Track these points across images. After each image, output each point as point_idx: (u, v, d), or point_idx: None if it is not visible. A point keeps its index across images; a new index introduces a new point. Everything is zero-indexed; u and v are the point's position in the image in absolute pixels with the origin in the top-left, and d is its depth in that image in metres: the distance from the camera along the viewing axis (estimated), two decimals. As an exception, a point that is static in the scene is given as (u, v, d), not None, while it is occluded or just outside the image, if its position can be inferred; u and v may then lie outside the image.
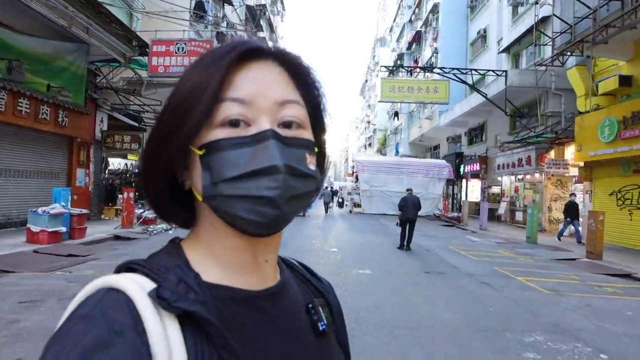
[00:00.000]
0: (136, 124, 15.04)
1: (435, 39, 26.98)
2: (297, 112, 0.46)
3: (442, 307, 4.96)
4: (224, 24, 20.42)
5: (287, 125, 0.45)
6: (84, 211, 9.31)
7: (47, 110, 10.21)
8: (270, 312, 0.47)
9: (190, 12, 16.00)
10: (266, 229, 0.44)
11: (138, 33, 12.53)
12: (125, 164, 18.54)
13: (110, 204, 13.54)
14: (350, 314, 4.50)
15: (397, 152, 36.00)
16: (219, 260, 0.46)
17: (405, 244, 9.86)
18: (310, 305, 0.52)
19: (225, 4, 20.58)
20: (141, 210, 12.13)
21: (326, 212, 23.49)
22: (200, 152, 0.43)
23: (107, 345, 0.35)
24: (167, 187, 0.47)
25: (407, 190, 10.87)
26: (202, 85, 0.43)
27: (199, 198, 0.45)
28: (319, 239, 11.35)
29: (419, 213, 10.33)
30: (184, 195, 0.48)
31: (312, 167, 0.46)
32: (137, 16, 13.43)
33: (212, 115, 0.43)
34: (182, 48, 12.68)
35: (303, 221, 16.86)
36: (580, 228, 12.16)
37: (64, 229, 8.51)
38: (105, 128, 13.66)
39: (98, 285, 0.41)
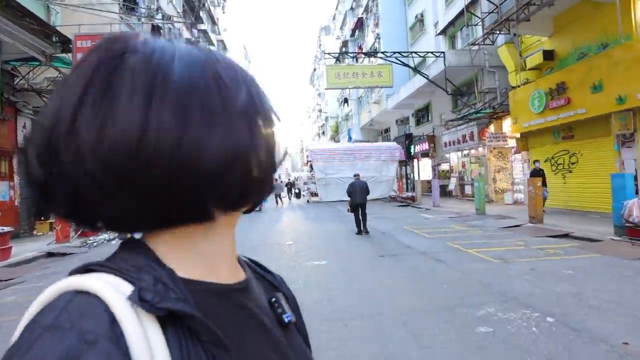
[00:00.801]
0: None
1: (376, 25, 27.26)
2: None
3: (397, 291, 4.95)
4: (159, 17, 19.21)
5: None
6: (7, 229, 8.35)
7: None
8: (246, 305, 0.46)
9: (119, 4, 14.85)
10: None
11: (58, 28, 11.39)
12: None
13: (42, 218, 12.38)
14: (302, 310, 4.36)
15: (349, 139, 36.35)
16: (192, 253, 0.44)
17: (361, 229, 9.92)
18: (273, 299, 0.52)
19: (157, -5, 19.34)
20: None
21: (277, 204, 23.49)
22: None
23: None
24: None
25: (354, 175, 10.95)
26: None
27: None
28: (274, 233, 11.12)
29: (375, 196, 10.46)
30: None
31: None
32: (56, 9, 12.20)
33: None
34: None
35: (258, 216, 16.52)
36: (547, 194, 11.56)
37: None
38: (29, 135, 12.39)
39: (60, 288, 0.36)
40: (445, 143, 19.39)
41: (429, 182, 21.83)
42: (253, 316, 0.46)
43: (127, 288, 0.37)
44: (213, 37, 32.91)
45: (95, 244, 10.02)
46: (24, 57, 10.88)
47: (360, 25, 32.25)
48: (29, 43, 10.19)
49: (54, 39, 11.13)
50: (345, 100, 34.18)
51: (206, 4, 29.85)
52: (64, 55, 11.88)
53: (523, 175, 13.81)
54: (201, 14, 28.04)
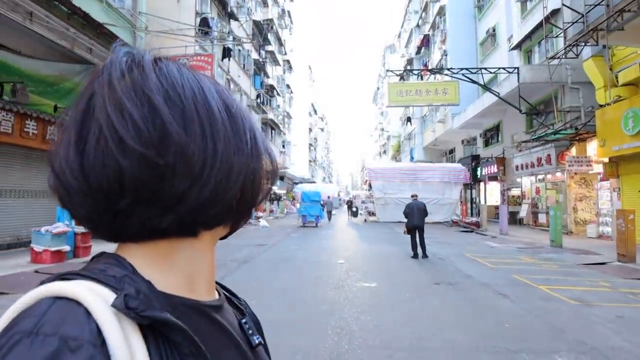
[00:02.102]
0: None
1: (443, 42, 26.51)
2: None
3: (450, 324, 4.47)
4: (230, 39, 20.52)
5: None
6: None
7: (55, 131, 10.31)
8: (222, 323, 0.46)
9: (195, 29, 16.12)
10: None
11: (141, 51, 12.61)
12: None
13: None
14: (344, 334, 4.09)
15: (412, 158, 35.37)
16: (171, 268, 0.44)
17: (417, 252, 9.38)
18: (244, 321, 0.53)
19: (231, 20, 20.73)
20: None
21: (329, 219, 24.96)
22: None
23: None
24: None
25: (412, 196, 10.42)
26: None
27: None
28: (327, 251, 10.93)
29: (436, 220, 9.91)
30: None
31: None
32: (141, 35, 13.55)
33: None
34: (185, 64, 12.64)
35: (314, 231, 16.49)
36: None
37: (67, 248, 8.43)
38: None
39: (40, 293, 0.35)
40: (517, 166, 17.92)
41: (496, 207, 20.27)
42: (228, 334, 0.46)
43: (109, 295, 0.36)
44: (279, 57, 34.39)
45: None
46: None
47: (426, 42, 31.64)
48: (117, 65, 11.37)
49: (137, 61, 12.33)
50: (409, 119, 33.44)
51: (274, 27, 31.38)
52: (145, 75, 13.08)
53: (611, 206, 12.18)
54: (269, 36, 29.51)
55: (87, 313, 0.34)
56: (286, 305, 5.24)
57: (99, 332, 0.33)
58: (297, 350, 3.63)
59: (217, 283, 0.58)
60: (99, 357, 0.32)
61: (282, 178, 45.37)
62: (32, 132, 9.60)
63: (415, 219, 9.55)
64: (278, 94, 34.05)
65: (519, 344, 3.85)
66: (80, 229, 9.03)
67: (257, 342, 0.51)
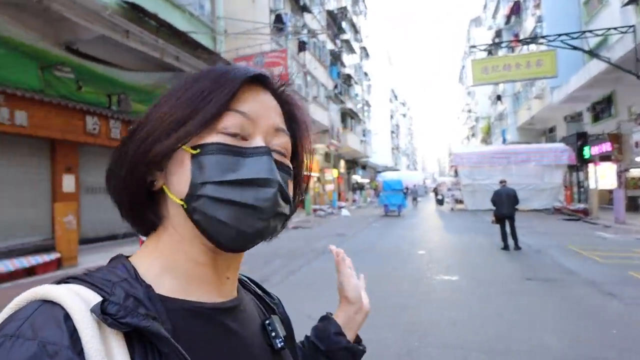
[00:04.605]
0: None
1: (537, 6, 23.48)
2: (285, 142, 0.49)
3: (540, 326, 3.94)
4: (305, 32, 20.83)
5: (276, 152, 0.47)
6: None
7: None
8: (229, 326, 0.45)
9: (270, 26, 16.67)
10: (243, 242, 0.43)
11: (222, 54, 13.44)
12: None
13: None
14: (416, 330, 3.86)
15: (504, 140, 32.30)
16: (176, 272, 0.44)
17: (508, 244, 8.53)
18: (267, 322, 0.51)
19: (304, 13, 20.99)
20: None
21: (414, 205, 26.15)
22: (194, 152, 0.43)
23: None
24: (144, 187, 0.46)
25: (501, 182, 9.45)
26: (213, 91, 0.44)
27: (176, 200, 0.43)
28: (407, 241, 10.53)
29: (534, 207, 8.98)
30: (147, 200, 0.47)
31: (291, 194, 0.48)
32: (220, 38, 14.43)
33: (216, 119, 0.44)
34: (261, 61, 13.20)
35: (396, 221, 16.07)
36: None
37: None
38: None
39: (29, 296, 0.36)
40: (638, 142, 15.21)
41: (610, 192, 17.51)
42: (234, 337, 0.45)
43: (95, 299, 0.36)
44: (355, 45, 33.89)
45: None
46: (199, 81, 13.23)
47: (516, 9, 28.35)
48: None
49: (219, 64, 13.21)
50: (499, 98, 30.42)
51: (348, 15, 30.97)
52: (227, 76, 13.96)
53: None
54: (343, 24, 29.21)
55: (69, 318, 0.34)
56: (358, 297, 5.14)
57: (77, 336, 0.33)
58: (364, 343, 3.52)
59: (248, 279, 0.59)
60: None
61: (364, 167, 45.14)
62: (135, 136, 10.93)
63: (504, 207, 8.70)
64: (356, 82, 33.70)
65: (627, 355, 3.22)
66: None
67: (279, 345, 0.50)
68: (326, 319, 0.65)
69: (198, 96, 0.44)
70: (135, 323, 0.35)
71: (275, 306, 0.58)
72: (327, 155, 30.16)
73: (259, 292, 0.59)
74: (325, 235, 11.79)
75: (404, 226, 14.38)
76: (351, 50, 32.19)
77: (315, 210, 20.24)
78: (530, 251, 8.35)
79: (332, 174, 29.84)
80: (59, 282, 0.39)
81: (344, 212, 21.40)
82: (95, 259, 7.52)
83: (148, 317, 0.36)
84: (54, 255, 6.61)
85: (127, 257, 0.46)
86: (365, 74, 39.69)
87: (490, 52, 21.95)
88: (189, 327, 0.41)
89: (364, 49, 38.50)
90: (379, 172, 43.73)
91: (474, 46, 17.67)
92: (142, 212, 0.46)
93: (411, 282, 5.90)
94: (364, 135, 37.10)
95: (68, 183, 9.02)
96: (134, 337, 0.36)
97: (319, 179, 28.26)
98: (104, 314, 0.34)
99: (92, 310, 0.34)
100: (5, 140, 7.53)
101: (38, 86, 7.97)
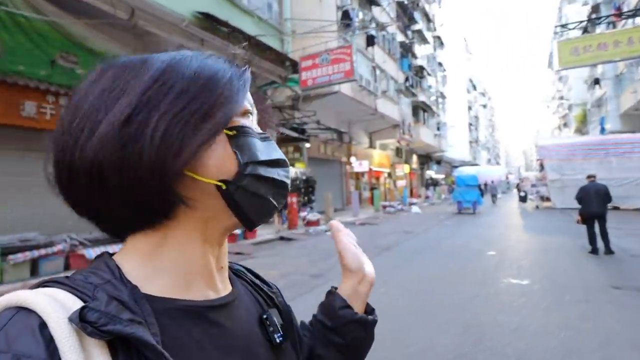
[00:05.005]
0: (300, 135, 16.61)
1: (647, -28, 20.17)
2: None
3: (621, 339, 3.46)
4: (373, 26, 20.53)
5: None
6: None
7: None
8: (224, 325, 0.44)
9: (337, 23, 16.75)
10: (268, 217, 0.46)
11: (289, 54, 13.86)
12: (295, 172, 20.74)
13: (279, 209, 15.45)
14: (472, 333, 3.66)
15: (602, 130, 28.48)
16: (171, 270, 0.42)
17: (597, 247, 7.57)
18: (265, 317, 0.50)
19: (372, 6, 20.69)
20: (305, 213, 13.38)
21: (494, 202, 25.33)
22: (232, 133, 0.43)
23: None
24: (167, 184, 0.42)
25: (589, 177, 8.40)
26: (238, 75, 0.45)
27: (212, 182, 0.42)
28: (479, 240, 9.89)
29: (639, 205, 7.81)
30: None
31: None
32: (287, 39, 14.88)
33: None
34: (326, 58, 13.34)
35: (470, 219, 15.18)
36: None
37: (237, 231, 10.09)
38: (272, 143, 15.66)
39: (4, 303, 0.34)
40: None
41: None
42: (229, 335, 0.44)
43: (76, 304, 0.34)
44: (428, 35, 32.42)
45: (314, 233, 11.64)
46: (268, 81, 13.81)
47: (620, -21, 24.69)
48: (271, 71, 12.88)
49: (286, 64, 13.62)
50: (596, 82, 26.86)
51: (419, 4, 29.74)
52: (294, 75, 14.34)
53: None
54: (415, 14, 28.14)
55: (45, 326, 0.32)
56: (413, 295, 5.01)
57: (54, 347, 0.31)
58: (412, 343, 3.43)
59: (246, 269, 0.59)
60: None
61: (439, 162, 43.20)
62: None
63: (592, 205, 7.72)
64: (429, 74, 32.31)
65: None
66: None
67: (278, 340, 0.49)
68: (331, 294, 0.61)
69: (227, 79, 0.44)
70: (118, 330, 0.33)
71: (274, 295, 0.57)
72: (398, 151, 29.47)
73: (257, 282, 0.57)
74: (392, 232, 11.59)
75: (477, 224, 13.52)
76: (423, 40, 30.95)
77: (384, 207, 19.95)
78: (624, 256, 7.33)
79: (403, 169, 29.09)
80: (37, 286, 0.37)
81: (415, 209, 20.74)
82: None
83: (133, 322, 0.34)
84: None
85: (111, 255, 0.44)
86: (440, 64, 37.85)
87: (586, 30, 19.50)
88: (179, 328, 0.39)
89: (437, 38, 36.72)
90: (455, 167, 41.51)
91: (563, 25, 15.83)
92: (149, 207, 0.41)
93: (475, 283, 5.56)
94: (438, 128, 35.48)
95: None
96: (118, 345, 0.34)
97: (389, 175, 27.75)
98: (83, 321, 0.32)
99: (71, 319, 0.32)
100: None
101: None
